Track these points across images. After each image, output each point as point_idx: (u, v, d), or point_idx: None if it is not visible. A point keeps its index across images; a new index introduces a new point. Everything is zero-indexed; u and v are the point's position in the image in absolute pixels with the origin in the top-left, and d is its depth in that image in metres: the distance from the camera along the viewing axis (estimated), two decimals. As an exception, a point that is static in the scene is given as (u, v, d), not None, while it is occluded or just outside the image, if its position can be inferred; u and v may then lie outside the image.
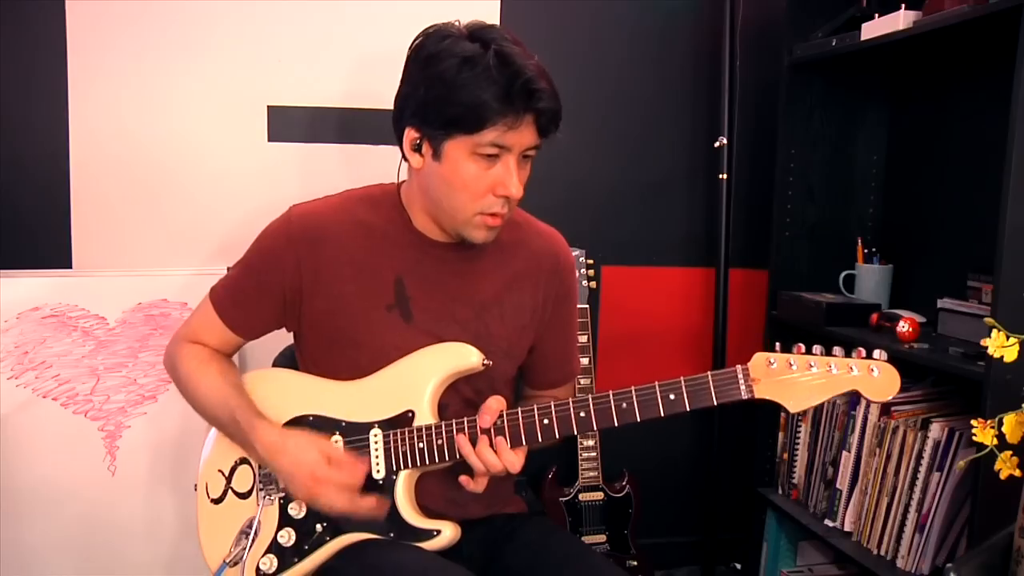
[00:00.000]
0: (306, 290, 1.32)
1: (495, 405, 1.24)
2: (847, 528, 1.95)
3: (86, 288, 1.99)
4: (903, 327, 1.80)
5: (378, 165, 2.11)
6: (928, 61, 2.08)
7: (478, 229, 1.27)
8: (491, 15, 2.18)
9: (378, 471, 1.28)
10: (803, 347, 1.17)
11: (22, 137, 2.02)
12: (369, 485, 1.28)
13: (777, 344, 1.18)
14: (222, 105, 2.10)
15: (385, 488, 1.28)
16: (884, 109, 2.23)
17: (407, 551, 1.25)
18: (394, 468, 1.28)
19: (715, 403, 1.17)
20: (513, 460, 1.22)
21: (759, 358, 1.17)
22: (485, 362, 1.29)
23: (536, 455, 1.29)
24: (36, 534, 1.96)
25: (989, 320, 1.07)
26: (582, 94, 2.30)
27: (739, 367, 1.17)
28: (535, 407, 1.24)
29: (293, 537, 1.31)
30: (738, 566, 2.48)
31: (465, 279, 1.35)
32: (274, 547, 1.31)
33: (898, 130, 2.22)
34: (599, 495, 2.22)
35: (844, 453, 1.96)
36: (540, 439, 1.23)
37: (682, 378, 1.18)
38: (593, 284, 2.25)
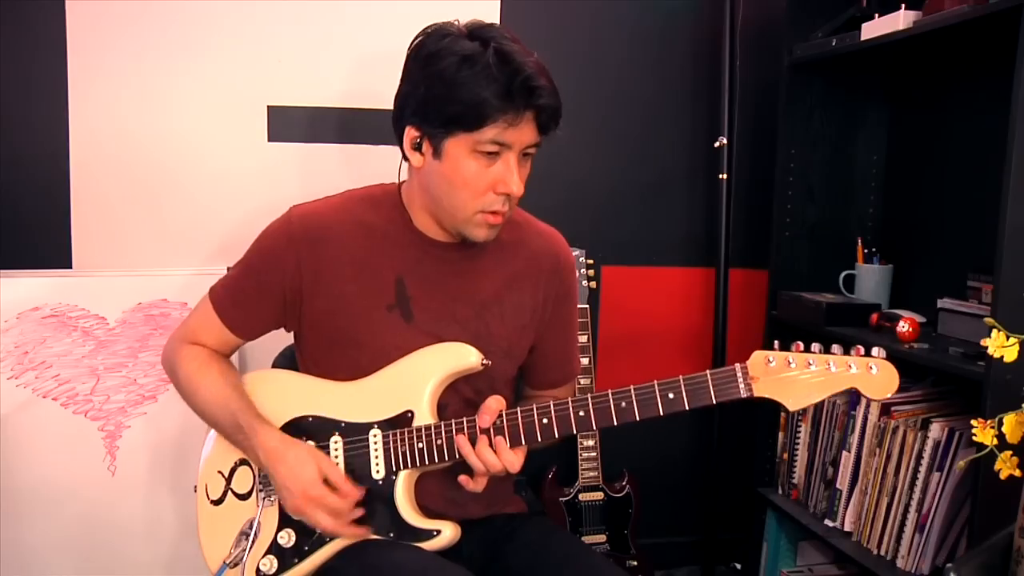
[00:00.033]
0: (306, 290, 1.32)
1: (494, 405, 1.24)
2: (847, 528, 1.95)
3: (86, 288, 1.99)
4: (903, 327, 1.80)
5: (378, 165, 2.11)
6: (928, 61, 2.08)
7: (479, 227, 1.27)
8: (491, 15, 2.18)
9: (377, 471, 1.28)
10: (802, 345, 1.17)
11: (22, 137, 2.02)
12: (368, 486, 1.28)
13: (775, 342, 1.18)
14: (222, 105, 2.10)
15: (385, 488, 1.28)
16: (884, 109, 2.23)
17: (407, 551, 1.25)
18: (393, 468, 1.28)
19: (714, 402, 1.17)
20: (512, 460, 1.22)
21: (758, 356, 1.17)
22: (484, 362, 1.29)
23: (536, 455, 1.29)
24: (36, 534, 1.96)
25: (989, 320, 1.07)
26: (582, 94, 2.30)
27: (738, 365, 1.17)
28: (534, 407, 1.24)
29: (293, 538, 1.31)
30: (738, 566, 2.48)
31: (465, 278, 1.35)
32: (274, 548, 1.31)
33: (898, 130, 2.22)
34: (599, 495, 2.22)
35: (844, 453, 1.96)
36: (539, 439, 1.24)
37: (681, 377, 1.19)
38: (593, 284, 2.25)
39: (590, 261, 2.24)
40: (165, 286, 2.03)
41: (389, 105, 1.29)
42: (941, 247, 2.06)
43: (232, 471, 1.36)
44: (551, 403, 1.24)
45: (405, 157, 1.30)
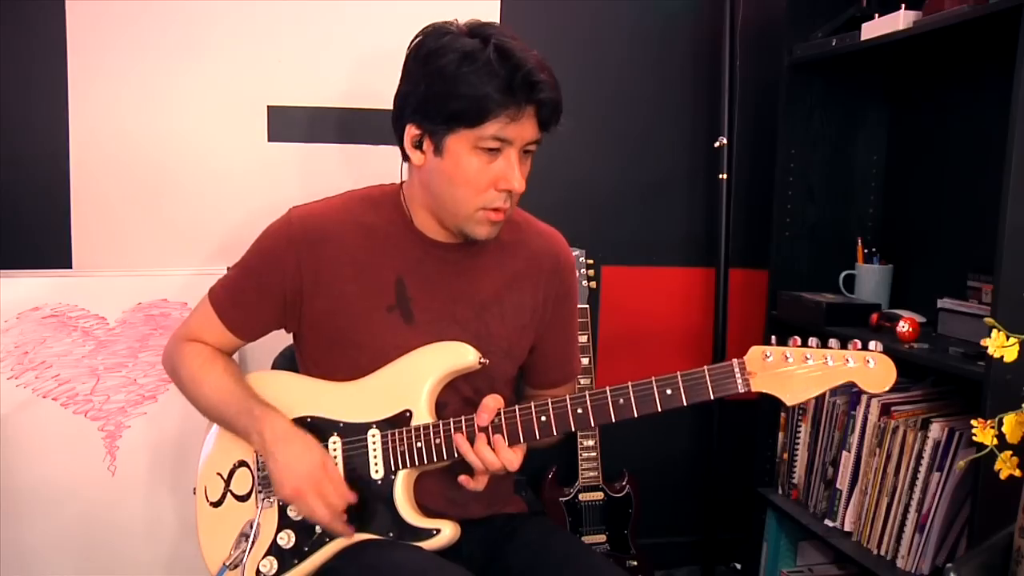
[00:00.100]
0: (306, 291, 1.32)
1: (492, 404, 1.24)
2: (847, 528, 1.95)
3: (86, 288, 1.99)
4: (903, 327, 1.80)
5: (378, 165, 2.11)
6: (928, 61, 2.08)
7: (480, 225, 1.27)
8: (491, 15, 2.18)
9: (376, 471, 1.28)
10: (799, 340, 1.17)
11: (22, 137, 2.02)
12: (368, 485, 1.28)
13: (773, 337, 1.18)
14: (222, 105, 2.10)
15: (384, 488, 1.28)
16: (884, 109, 2.23)
17: (406, 551, 1.25)
18: (392, 468, 1.28)
19: (712, 397, 1.17)
20: (511, 458, 1.22)
21: (755, 351, 1.17)
22: (482, 361, 1.29)
23: (536, 455, 1.29)
24: (36, 534, 1.96)
25: (989, 320, 1.07)
26: (582, 94, 2.30)
27: (735, 361, 1.17)
28: (532, 405, 1.24)
29: (293, 539, 1.31)
30: (738, 566, 2.48)
31: (465, 279, 1.35)
32: (274, 549, 1.31)
33: (898, 130, 2.22)
34: (599, 495, 2.22)
35: (844, 453, 1.96)
36: (538, 436, 1.24)
37: (679, 373, 1.19)
38: (593, 284, 2.25)
39: (590, 261, 2.24)
40: (165, 286, 2.03)
41: (389, 105, 1.29)
42: (941, 247, 2.06)
43: (231, 473, 1.36)
44: (549, 401, 1.24)
45: (405, 156, 1.30)
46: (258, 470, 1.34)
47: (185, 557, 2.03)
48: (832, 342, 1.16)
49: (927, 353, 1.74)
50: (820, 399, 2.04)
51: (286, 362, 1.48)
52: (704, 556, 2.46)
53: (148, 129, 2.06)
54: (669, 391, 1.18)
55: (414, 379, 1.29)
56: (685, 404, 1.18)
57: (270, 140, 2.13)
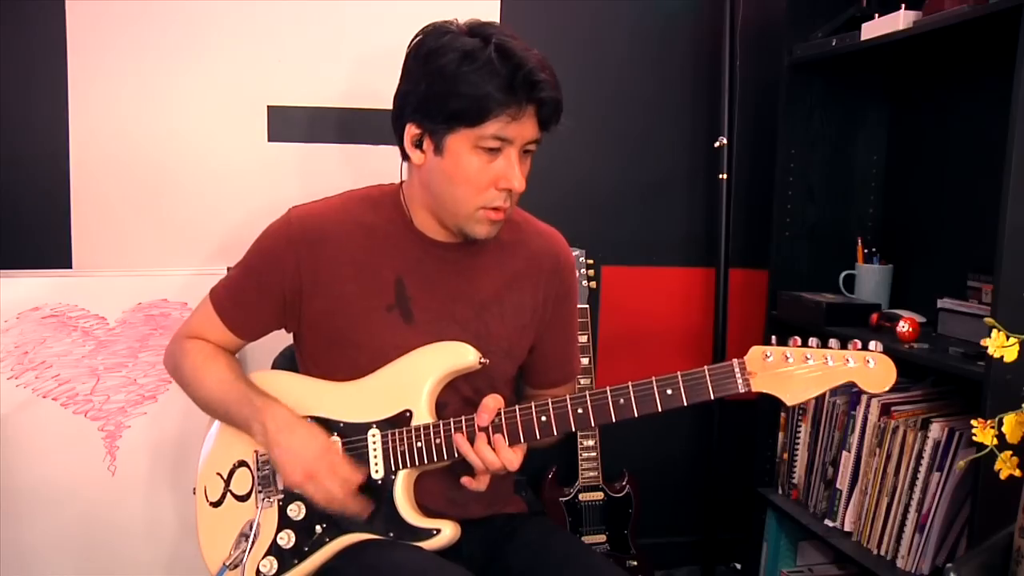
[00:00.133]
0: (306, 291, 1.32)
1: (492, 404, 1.24)
2: (847, 528, 1.95)
3: (86, 288, 1.99)
4: (903, 327, 1.80)
5: (378, 165, 2.11)
6: (928, 61, 2.08)
7: (480, 224, 1.27)
8: (491, 15, 2.18)
9: (377, 471, 1.28)
10: (799, 340, 1.17)
11: (22, 137, 2.02)
12: (368, 485, 1.28)
13: (773, 337, 1.18)
14: (222, 105, 2.10)
15: (384, 488, 1.28)
16: (884, 109, 2.23)
17: (406, 551, 1.25)
18: (392, 468, 1.28)
19: (712, 397, 1.17)
20: (511, 458, 1.22)
21: (755, 352, 1.17)
22: (482, 360, 1.29)
23: (536, 455, 1.29)
24: (36, 534, 1.96)
25: (989, 320, 1.07)
26: (582, 94, 2.30)
27: (735, 361, 1.17)
28: (533, 405, 1.24)
29: (293, 539, 1.31)
30: (738, 566, 2.48)
31: (465, 278, 1.35)
32: (274, 549, 1.31)
33: (898, 130, 2.22)
34: (599, 495, 2.22)
35: (844, 453, 1.96)
36: (538, 436, 1.24)
37: (679, 373, 1.19)
38: (593, 284, 2.25)
39: (590, 261, 2.24)
40: (165, 286, 2.03)
41: (389, 105, 1.29)
42: (941, 247, 2.06)
43: (231, 473, 1.36)
44: (549, 401, 1.24)
45: (405, 156, 1.30)
46: (258, 470, 1.34)
47: (185, 557, 2.03)
48: (832, 342, 1.16)
49: (927, 353, 1.74)
50: (820, 399, 2.04)
51: (286, 362, 1.48)
52: (704, 556, 2.46)
53: (148, 129, 2.06)
54: (669, 391, 1.18)
55: (414, 379, 1.29)
56: (685, 404, 1.18)
57: (270, 140, 2.13)
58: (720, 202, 2.31)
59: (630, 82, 2.36)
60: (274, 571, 1.30)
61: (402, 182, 1.37)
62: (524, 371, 1.47)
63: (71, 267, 2.06)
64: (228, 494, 1.36)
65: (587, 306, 2.22)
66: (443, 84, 1.19)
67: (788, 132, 2.19)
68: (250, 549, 1.30)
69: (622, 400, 1.20)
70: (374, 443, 1.29)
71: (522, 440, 1.24)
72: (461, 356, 1.29)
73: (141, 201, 2.08)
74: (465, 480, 1.25)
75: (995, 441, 1.06)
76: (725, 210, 2.30)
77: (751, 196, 2.39)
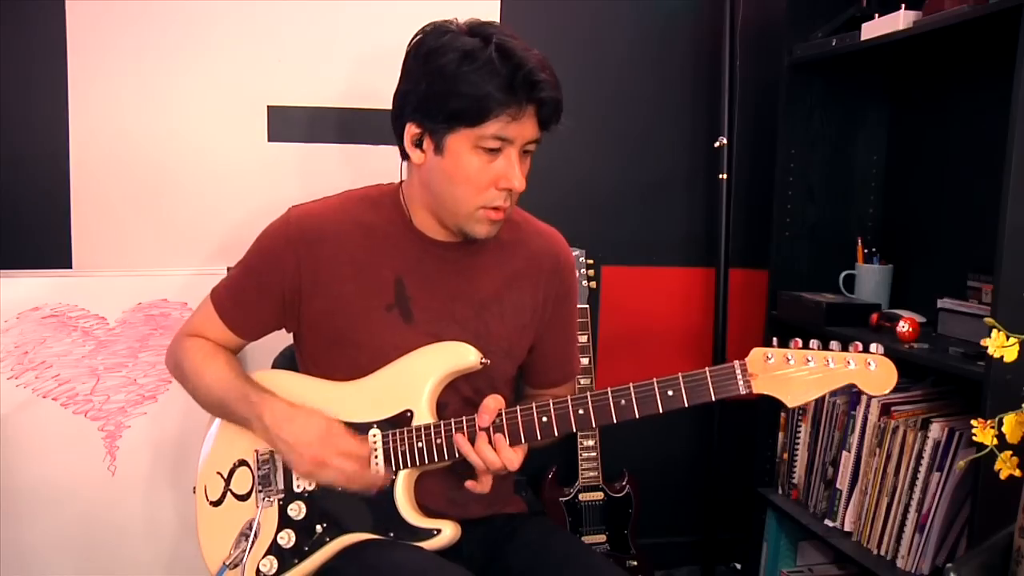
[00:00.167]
0: (306, 291, 1.32)
1: (493, 404, 1.24)
2: (847, 528, 1.95)
3: (86, 288, 1.99)
4: (903, 327, 1.80)
5: (378, 165, 2.11)
6: (928, 61, 2.08)
7: (480, 223, 1.27)
8: (491, 15, 2.18)
9: (377, 470, 1.28)
10: (800, 342, 1.17)
11: (22, 137, 2.02)
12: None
13: (774, 339, 1.18)
14: (222, 105, 2.10)
15: (384, 488, 1.28)
16: (884, 109, 2.23)
17: (406, 551, 1.25)
18: (393, 468, 1.28)
19: (713, 399, 1.17)
20: (512, 457, 1.22)
21: (756, 353, 1.17)
22: (483, 361, 1.29)
23: (536, 455, 1.29)
24: (36, 534, 1.96)
25: (989, 320, 1.07)
26: (582, 94, 2.29)
27: (737, 362, 1.17)
28: (534, 405, 1.24)
29: (293, 538, 1.31)
30: (738, 566, 2.48)
31: (465, 278, 1.35)
32: (274, 548, 1.31)
33: (898, 130, 2.22)
34: (599, 495, 2.22)
35: (844, 453, 1.96)
36: (539, 437, 1.24)
37: (680, 374, 1.19)
38: (593, 284, 2.25)
39: (590, 261, 2.24)
40: (165, 286, 2.03)
41: (389, 104, 1.29)
42: (941, 247, 2.06)
43: (231, 472, 1.36)
44: (550, 401, 1.24)
45: (405, 155, 1.30)
46: (258, 469, 1.34)
47: (185, 557, 2.03)
48: (833, 344, 1.16)
49: (927, 353, 1.74)
50: (820, 399, 2.04)
51: (286, 362, 1.48)
52: (704, 556, 2.46)
53: (148, 129, 2.06)
54: (671, 392, 1.18)
55: (415, 379, 1.29)
56: (687, 405, 1.18)
57: (270, 140, 2.13)
58: (720, 202, 2.31)
59: (630, 82, 2.36)
60: (274, 571, 1.30)
61: (401, 182, 1.37)
62: (524, 371, 1.47)
63: (71, 267, 2.06)
64: (228, 493, 1.36)
65: (587, 306, 2.22)
66: (443, 84, 1.19)
67: (788, 132, 2.19)
68: (250, 548, 1.30)
69: (623, 401, 1.20)
70: (375, 443, 1.28)
71: (523, 440, 1.24)
72: (462, 356, 1.29)
73: (141, 201, 2.08)
74: (469, 484, 1.25)
75: (995, 441, 1.06)
76: (725, 210, 2.30)
77: (751, 196, 2.39)
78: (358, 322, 1.31)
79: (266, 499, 1.33)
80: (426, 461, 1.26)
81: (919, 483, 1.74)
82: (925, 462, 1.74)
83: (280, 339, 1.45)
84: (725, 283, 2.34)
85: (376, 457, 1.28)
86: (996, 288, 1.53)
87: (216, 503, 1.37)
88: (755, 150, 2.39)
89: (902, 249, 2.16)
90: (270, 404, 1.29)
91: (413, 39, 1.27)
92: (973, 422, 1.09)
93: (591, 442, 2.21)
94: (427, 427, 1.27)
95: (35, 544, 1.96)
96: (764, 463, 2.28)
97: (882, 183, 2.26)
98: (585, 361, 2.14)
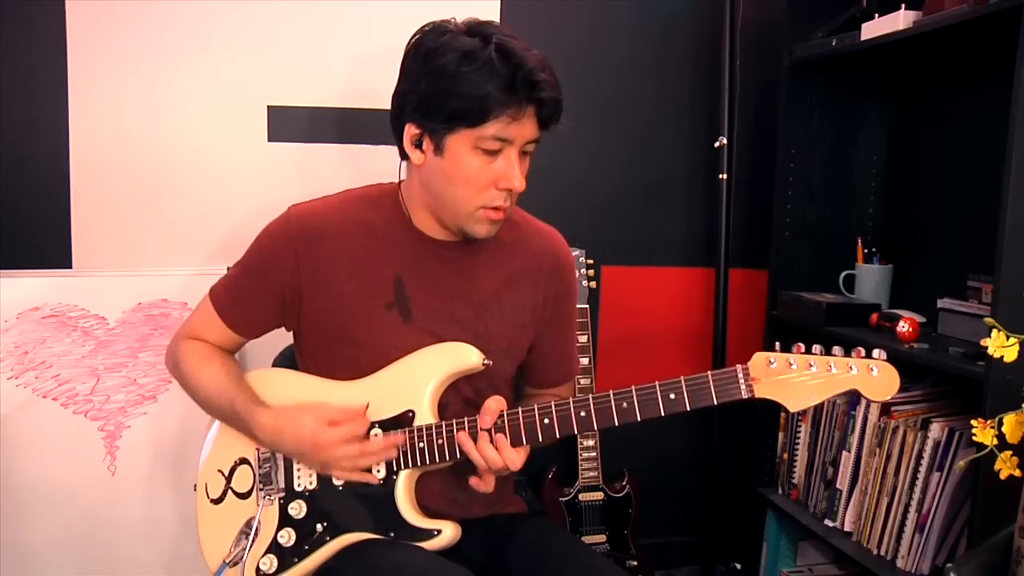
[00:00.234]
0: (305, 290, 1.32)
1: (494, 406, 1.24)
2: (847, 528, 1.95)
3: (86, 288, 1.99)
4: (903, 327, 1.80)
5: (378, 165, 2.10)
6: (928, 61, 2.08)
7: (480, 223, 1.27)
8: (491, 15, 2.18)
9: (378, 471, 1.28)
10: (803, 347, 1.17)
11: (22, 137, 2.02)
12: (369, 485, 1.28)
13: (777, 344, 1.18)
14: (222, 105, 2.10)
15: (385, 488, 1.28)
16: (884, 109, 2.23)
17: (407, 551, 1.25)
18: (394, 468, 1.28)
19: (715, 402, 1.18)
20: (514, 457, 1.23)
21: (759, 358, 1.17)
22: (485, 362, 1.29)
23: (536, 455, 1.29)
24: (36, 534, 1.96)
25: (989, 320, 1.07)
26: (582, 94, 2.30)
27: (739, 367, 1.17)
28: (535, 406, 1.24)
29: (293, 537, 1.31)
30: (738, 566, 2.48)
31: (464, 277, 1.35)
32: (274, 547, 1.31)
33: (898, 130, 2.22)
34: (599, 495, 2.22)
35: (844, 453, 1.96)
36: (540, 438, 1.24)
37: (682, 378, 1.19)
38: (593, 284, 2.25)
39: (590, 261, 2.24)
40: (165, 286, 2.03)
41: (388, 105, 1.29)
42: (941, 247, 2.06)
43: (232, 470, 1.36)
44: (552, 403, 1.24)
45: (404, 155, 1.30)
46: (259, 467, 1.34)
47: (185, 557, 2.03)
48: (836, 349, 1.16)
49: (927, 353, 1.74)
50: (820, 399, 2.04)
51: (286, 361, 1.48)
52: (704, 556, 2.46)
53: (148, 129, 2.06)
54: (673, 395, 1.18)
55: (417, 379, 1.29)
56: (688, 409, 1.18)
57: (270, 140, 2.13)
58: (720, 202, 2.31)
59: (630, 82, 2.36)
60: (274, 569, 1.30)
61: (401, 181, 1.37)
62: (524, 371, 1.47)
63: (71, 267, 2.06)
64: (229, 491, 1.36)
65: (587, 306, 2.22)
66: (443, 84, 1.19)
67: (788, 132, 2.19)
68: (250, 547, 1.30)
69: (625, 404, 1.20)
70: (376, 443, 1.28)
71: (524, 441, 1.24)
72: (465, 357, 1.29)
73: (141, 201, 2.08)
74: (473, 481, 1.25)
75: (995, 441, 1.06)
76: (725, 210, 2.30)
77: (751, 196, 2.39)
78: (358, 321, 1.31)
79: (267, 497, 1.33)
80: (427, 461, 1.26)
81: (919, 483, 1.74)
82: (925, 462, 1.74)
83: (280, 339, 1.45)
84: (725, 283, 2.35)
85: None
86: (996, 288, 1.53)
87: (217, 501, 1.37)
88: (755, 150, 2.39)
89: (902, 249, 2.16)
90: (260, 421, 1.29)
91: (412, 39, 1.26)
92: (973, 422, 1.09)
93: (591, 442, 2.21)
94: (428, 427, 1.27)
95: (35, 544, 1.96)
96: (764, 463, 2.29)
97: (882, 183, 2.26)
98: (585, 361, 2.14)
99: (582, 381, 2.16)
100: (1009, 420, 1.06)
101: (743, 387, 1.17)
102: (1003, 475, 1.07)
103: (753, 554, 2.35)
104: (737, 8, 2.27)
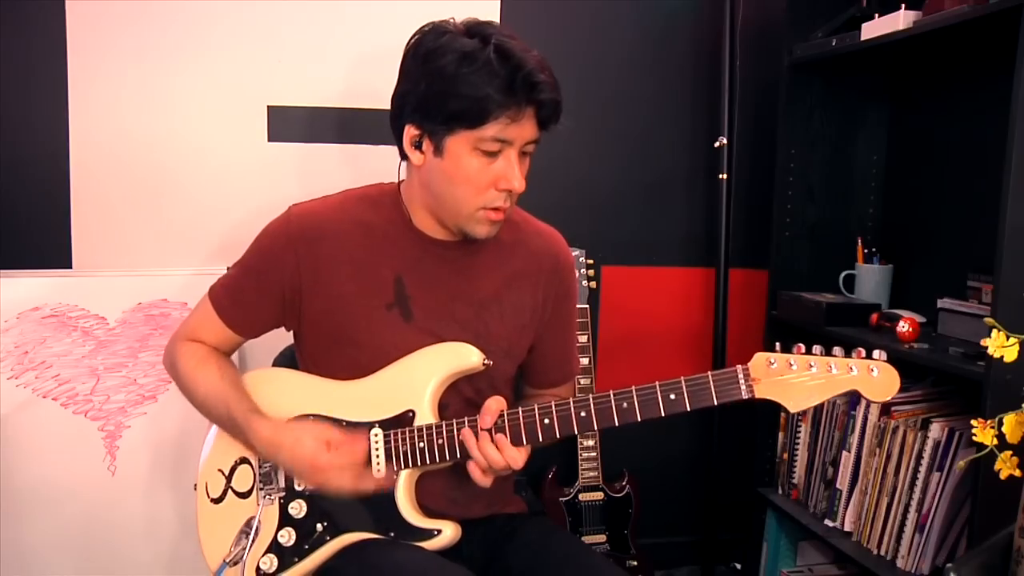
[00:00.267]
0: (306, 289, 1.32)
1: (495, 406, 1.24)
2: (847, 528, 1.95)
3: (86, 288, 1.99)
4: (903, 327, 1.80)
5: (378, 165, 2.10)
6: (928, 61, 2.08)
7: (480, 224, 1.27)
8: (491, 15, 2.18)
9: (378, 471, 1.28)
10: (803, 347, 1.17)
11: (22, 137, 2.02)
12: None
13: (777, 344, 1.18)
14: (222, 105, 2.10)
15: (385, 488, 1.28)
16: (884, 109, 2.23)
17: (407, 551, 1.25)
18: (395, 468, 1.28)
19: (716, 403, 1.18)
20: (515, 455, 1.22)
21: (759, 358, 1.17)
22: (486, 362, 1.29)
23: (536, 455, 1.29)
24: (36, 534, 1.96)
25: (989, 320, 1.07)
26: (582, 94, 2.30)
27: (739, 367, 1.17)
28: (536, 407, 1.24)
29: (293, 537, 1.31)
30: (738, 566, 2.48)
31: (464, 277, 1.35)
32: (274, 547, 1.31)
33: (898, 130, 2.22)
34: (599, 495, 2.22)
35: (844, 453, 1.96)
36: (540, 438, 1.24)
37: (683, 378, 1.19)
38: (593, 284, 2.25)
39: (590, 261, 2.24)
40: (165, 286, 2.03)
41: (388, 105, 1.29)
42: (941, 247, 2.06)
43: (232, 469, 1.36)
44: (552, 403, 1.24)
45: (404, 156, 1.30)
46: (259, 467, 1.34)
47: (185, 557, 2.03)
48: (836, 350, 1.16)
49: (927, 353, 1.74)
50: (820, 400, 2.04)
51: (286, 361, 1.48)
52: (704, 556, 2.46)
53: (148, 129, 2.06)
54: (673, 396, 1.18)
55: (417, 379, 1.29)
56: (688, 409, 1.18)
57: (270, 140, 2.13)
58: (720, 202, 2.31)
59: (630, 82, 2.36)
60: (274, 569, 1.30)
61: (401, 181, 1.37)
62: (524, 371, 1.47)
63: (71, 267, 2.06)
64: (229, 491, 1.36)
65: (587, 306, 2.22)
66: (442, 85, 1.19)
67: (788, 132, 2.19)
68: (250, 546, 1.30)
69: (625, 404, 1.20)
70: (376, 443, 1.28)
71: (524, 441, 1.24)
72: (465, 357, 1.29)
73: (141, 201, 2.08)
74: (471, 466, 1.24)
75: (995, 441, 1.06)
76: (725, 210, 2.30)
77: (751, 196, 2.39)
78: (358, 321, 1.31)
79: (267, 497, 1.33)
80: (427, 461, 1.26)
81: (919, 483, 1.74)
82: (925, 462, 1.74)
83: (280, 339, 1.45)
84: (725, 283, 2.35)
85: (378, 457, 1.28)
86: (996, 288, 1.53)
87: (217, 500, 1.37)
88: (755, 150, 2.39)
89: (902, 249, 2.16)
90: (258, 432, 1.28)
91: (411, 39, 1.26)
92: (973, 422, 1.09)
93: (591, 442, 2.21)
94: (429, 427, 1.27)
95: (35, 544, 1.96)
96: (764, 463, 2.29)
97: (882, 183, 2.26)
98: (585, 361, 2.14)
99: (582, 381, 2.16)
100: (1009, 420, 1.06)
101: (743, 387, 1.17)
102: (1003, 475, 1.07)
103: (753, 554, 2.35)
104: (737, 8, 2.27)
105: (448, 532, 1.26)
